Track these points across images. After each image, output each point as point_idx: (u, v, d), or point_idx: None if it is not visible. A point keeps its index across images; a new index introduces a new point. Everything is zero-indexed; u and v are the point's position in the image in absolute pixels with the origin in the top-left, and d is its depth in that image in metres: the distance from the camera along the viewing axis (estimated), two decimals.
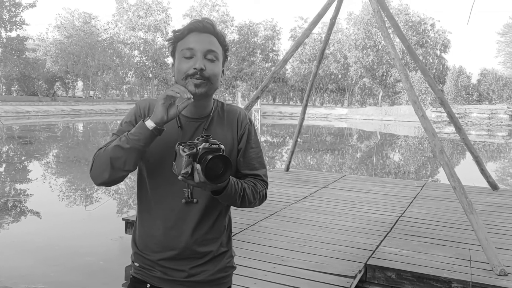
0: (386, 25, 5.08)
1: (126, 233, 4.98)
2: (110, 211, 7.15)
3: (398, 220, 5.16)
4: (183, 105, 1.41)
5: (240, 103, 39.21)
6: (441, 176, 11.46)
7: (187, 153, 1.34)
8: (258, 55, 54.47)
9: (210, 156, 1.32)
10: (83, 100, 45.37)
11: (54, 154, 14.49)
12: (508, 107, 33.27)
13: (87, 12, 49.48)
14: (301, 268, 3.72)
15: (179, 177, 1.36)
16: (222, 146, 1.38)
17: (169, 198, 1.56)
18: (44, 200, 7.83)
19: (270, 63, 53.91)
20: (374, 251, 4.10)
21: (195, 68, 1.48)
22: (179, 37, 1.53)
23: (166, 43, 1.68)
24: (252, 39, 53.91)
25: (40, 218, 6.73)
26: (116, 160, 1.43)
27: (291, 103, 56.78)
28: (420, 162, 15.05)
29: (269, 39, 54.32)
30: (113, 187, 9.09)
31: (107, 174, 1.45)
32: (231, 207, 1.65)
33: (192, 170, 1.34)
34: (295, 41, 5.44)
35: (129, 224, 4.91)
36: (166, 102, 1.41)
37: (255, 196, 1.59)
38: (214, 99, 1.65)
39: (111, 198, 8.09)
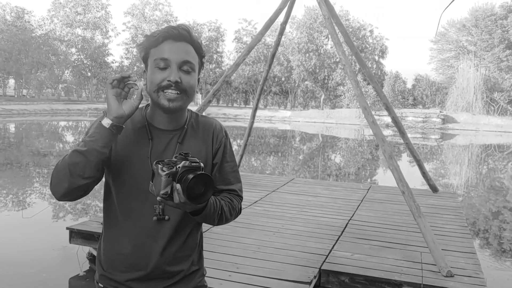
0: (337, 32, 5.16)
1: (70, 242, 4.72)
2: (50, 219, 6.76)
3: (347, 223, 5.26)
4: (138, 97, 1.34)
5: None
6: (384, 178, 11.88)
7: (166, 172, 1.27)
8: None
9: (191, 176, 1.25)
10: (16, 99, 42.88)
11: None
12: (440, 111, 35.18)
13: (19, 6, 46.88)
14: (257, 275, 3.68)
15: (158, 198, 1.28)
16: (202, 164, 1.32)
17: (139, 214, 1.47)
18: None
19: (214, 65, 53.66)
20: (327, 256, 4.15)
21: (169, 81, 1.40)
22: (152, 43, 1.44)
23: (136, 48, 1.58)
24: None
25: None
26: (75, 166, 1.33)
27: (235, 105, 56.83)
28: (362, 164, 15.53)
29: (213, 40, 54.06)
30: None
31: (66, 183, 1.35)
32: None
33: (171, 190, 1.27)
34: (247, 45, 5.41)
35: (73, 234, 4.65)
36: (116, 93, 1.34)
37: (231, 212, 1.54)
38: (188, 110, 1.57)
39: (50, 205, 7.66)
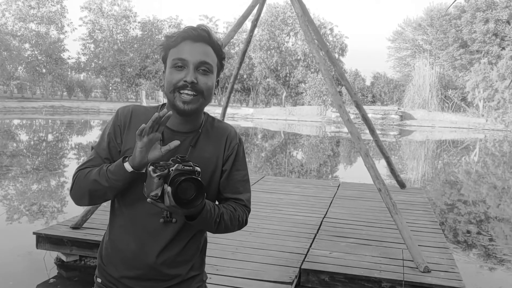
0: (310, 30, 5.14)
1: (37, 248, 4.49)
2: (10, 223, 6.42)
3: (322, 221, 5.27)
4: (166, 147, 1.31)
5: (145, 102, 37.96)
6: (346, 175, 12.07)
7: (158, 174, 1.27)
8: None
9: (181, 179, 1.24)
10: None
11: None
12: (398, 108, 36.15)
13: None
14: (237, 277, 3.62)
15: (148, 200, 1.29)
16: (198, 169, 1.30)
17: (147, 215, 1.46)
18: None
19: None
20: (306, 255, 4.13)
21: (185, 81, 1.39)
22: (171, 44, 1.43)
23: (158, 48, 1.53)
24: (156, 36, 52.50)
25: None
26: (95, 192, 1.41)
27: None
28: (327, 161, 15.72)
29: None
30: (17, 195, 8.24)
31: (86, 201, 1.45)
32: None
33: (162, 193, 1.27)
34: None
35: (41, 239, 4.43)
36: (144, 144, 1.31)
37: (233, 222, 1.51)
38: (204, 113, 1.53)
39: (8, 208, 7.30)
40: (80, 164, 1.49)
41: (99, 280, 1.55)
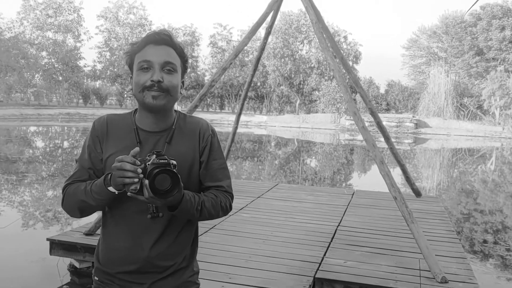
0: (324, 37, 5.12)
1: (50, 254, 4.50)
2: (26, 229, 6.47)
3: (336, 230, 5.20)
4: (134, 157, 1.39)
5: None
6: (360, 183, 11.96)
7: None
8: None
9: (157, 170, 1.32)
10: None
11: None
12: (413, 116, 35.85)
13: None
14: (251, 285, 3.58)
15: (128, 193, 1.37)
16: (173, 161, 1.39)
17: (134, 213, 1.54)
18: None
19: (189, 69, 53.26)
20: (320, 264, 4.07)
21: (152, 80, 1.48)
22: (136, 49, 1.54)
23: (123, 55, 1.62)
24: None
25: None
26: (85, 209, 1.52)
27: (210, 110, 56.57)
28: (342, 169, 15.61)
29: (188, 45, 53.70)
30: (32, 201, 8.32)
31: (78, 215, 1.56)
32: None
33: (141, 186, 1.34)
34: (234, 49, 5.31)
35: (54, 245, 4.44)
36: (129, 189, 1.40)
37: (216, 208, 1.59)
38: (175, 111, 1.63)
39: (24, 214, 7.36)
40: (67, 177, 1.60)
41: (96, 278, 1.62)
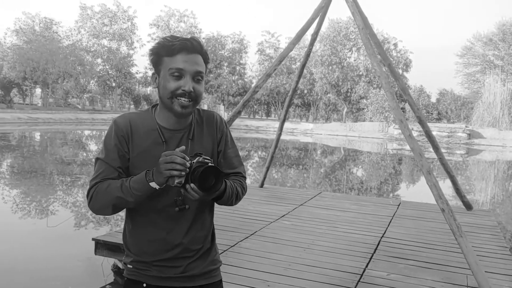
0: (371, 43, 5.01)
1: (95, 254, 4.63)
2: (75, 228, 6.71)
3: (380, 241, 5.05)
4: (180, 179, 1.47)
5: None
6: (407, 193, 11.58)
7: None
8: (225, 67, 54.38)
9: (201, 168, 1.43)
10: (41, 108, 43.77)
11: (8, 164, 13.73)
12: (466, 126, 34.46)
13: (48, 17, 47.97)
14: None
15: (173, 185, 1.46)
16: (210, 159, 1.52)
17: (164, 206, 1.63)
18: None
19: (236, 76, 53.88)
20: (361, 275, 3.96)
21: (183, 90, 1.55)
22: (167, 52, 1.57)
23: (148, 52, 1.68)
24: (220, 52, 53.82)
25: None
26: (119, 205, 1.58)
27: (256, 116, 56.89)
28: (388, 179, 15.22)
29: (236, 52, 54.38)
30: (84, 202, 8.63)
31: (109, 212, 1.60)
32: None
33: (186, 181, 1.45)
34: (278, 55, 5.30)
35: (99, 245, 4.56)
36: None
37: (243, 192, 1.76)
38: None
39: (75, 214, 7.64)
40: (93, 176, 1.62)
41: (130, 266, 1.70)
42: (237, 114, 5.11)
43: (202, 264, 1.72)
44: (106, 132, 1.67)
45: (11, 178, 11.16)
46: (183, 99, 1.55)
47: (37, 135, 26.37)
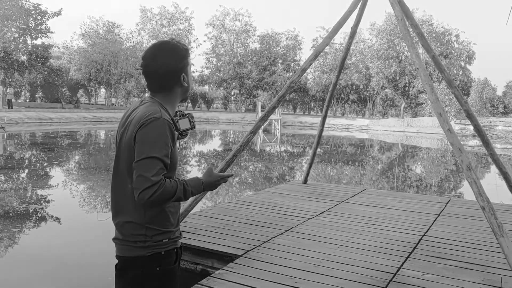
0: (411, 34, 4.82)
1: None
2: None
3: (421, 239, 4.86)
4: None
5: (260, 113, 39.02)
6: (465, 191, 11.04)
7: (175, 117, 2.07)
8: (279, 64, 54.38)
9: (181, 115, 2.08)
10: (105, 108, 45.89)
11: (75, 161, 14.52)
12: None
13: (111, 21, 50.17)
14: None
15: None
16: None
17: None
18: (62, 209, 7.75)
19: (291, 73, 53.69)
20: (395, 274, 3.83)
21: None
22: (188, 55, 2.05)
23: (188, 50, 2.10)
24: (274, 49, 53.86)
25: (53, 228, 6.63)
26: (173, 203, 1.98)
27: (312, 113, 56.43)
28: (442, 175, 14.59)
29: (291, 49, 54.16)
30: None
31: (160, 206, 1.93)
32: None
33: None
34: (314, 50, 5.23)
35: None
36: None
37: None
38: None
39: None
40: (153, 172, 1.76)
41: (165, 240, 1.96)
42: (272, 110, 5.10)
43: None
44: (151, 128, 1.79)
45: (78, 174, 11.80)
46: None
47: (101, 133, 27.71)
